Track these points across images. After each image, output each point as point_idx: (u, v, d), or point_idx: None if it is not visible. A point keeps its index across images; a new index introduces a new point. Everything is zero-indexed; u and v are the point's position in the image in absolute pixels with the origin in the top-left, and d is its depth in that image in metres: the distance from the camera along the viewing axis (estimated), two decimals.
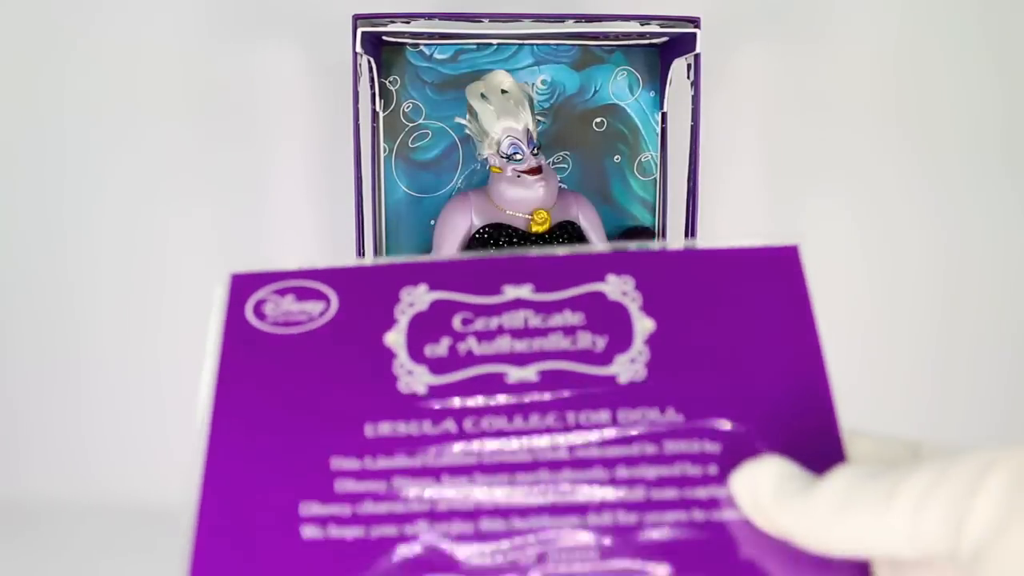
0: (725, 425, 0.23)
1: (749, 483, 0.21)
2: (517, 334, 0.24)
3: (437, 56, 0.56)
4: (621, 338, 0.24)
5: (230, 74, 0.59)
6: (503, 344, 0.24)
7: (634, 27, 0.50)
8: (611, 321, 0.24)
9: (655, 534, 0.21)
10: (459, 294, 0.25)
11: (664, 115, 0.56)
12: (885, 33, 0.60)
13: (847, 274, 0.62)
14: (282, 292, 0.25)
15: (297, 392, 0.23)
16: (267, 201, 0.60)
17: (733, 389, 0.23)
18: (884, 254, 0.62)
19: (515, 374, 0.23)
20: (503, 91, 0.49)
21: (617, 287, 0.25)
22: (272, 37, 0.58)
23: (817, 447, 0.22)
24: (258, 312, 0.25)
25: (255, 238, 0.60)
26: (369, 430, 0.23)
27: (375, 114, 0.55)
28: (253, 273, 0.25)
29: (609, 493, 0.22)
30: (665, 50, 0.55)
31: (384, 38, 0.53)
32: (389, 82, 0.56)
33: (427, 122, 0.56)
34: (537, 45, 0.56)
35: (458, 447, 0.22)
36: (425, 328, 0.24)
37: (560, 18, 0.50)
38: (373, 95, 0.54)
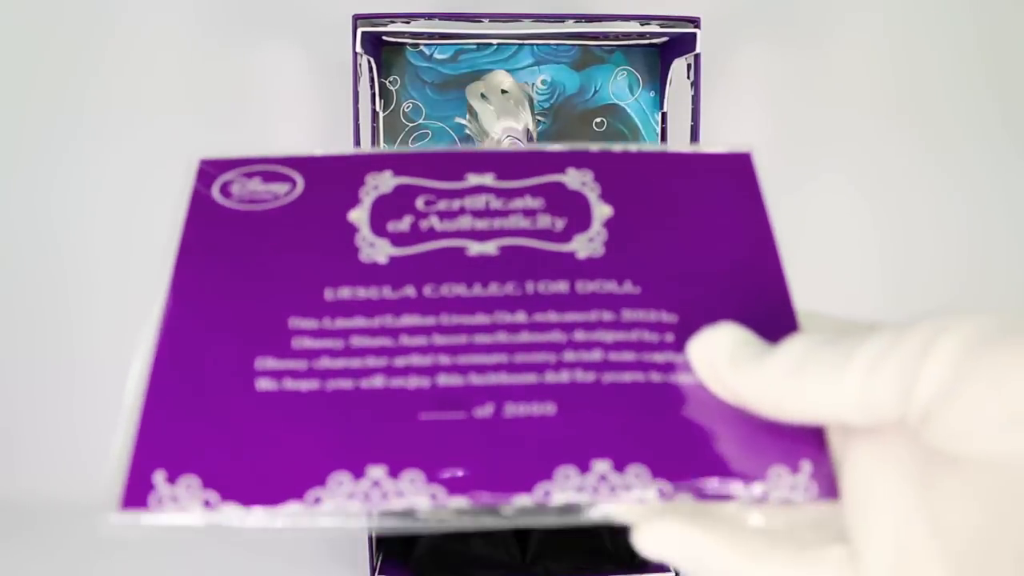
0: (682, 297, 0.23)
1: (706, 348, 0.21)
2: (478, 214, 0.25)
3: (437, 56, 0.56)
4: (580, 220, 0.25)
5: (230, 74, 0.59)
6: (464, 222, 0.24)
7: (634, 27, 0.50)
8: (570, 206, 0.25)
9: (611, 392, 0.21)
10: (423, 179, 0.25)
11: (664, 115, 0.56)
12: (886, 32, 0.60)
13: (847, 272, 0.62)
14: (249, 175, 0.25)
15: (258, 260, 0.24)
16: None
17: (689, 267, 0.24)
18: (885, 251, 0.62)
19: (475, 248, 0.24)
20: (503, 91, 0.49)
21: (576, 178, 0.26)
22: (272, 37, 0.58)
23: (772, 322, 0.22)
24: (224, 192, 0.25)
25: None
26: (329, 294, 0.23)
27: (375, 114, 0.55)
28: (221, 158, 0.26)
29: (567, 354, 0.22)
30: (665, 50, 0.55)
31: (384, 38, 0.53)
32: (389, 82, 0.56)
33: (427, 122, 0.56)
34: (537, 45, 0.56)
35: (417, 311, 0.23)
36: (388, 207, 0.25)
37: (560, 18, 0.50)
38: (373, 95, 0.54)
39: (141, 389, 0.22)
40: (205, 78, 0.59)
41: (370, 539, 0.52)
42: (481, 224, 0.24)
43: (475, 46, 0.56)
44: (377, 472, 0.20)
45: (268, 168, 0.26)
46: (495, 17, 0.49)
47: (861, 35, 0.60)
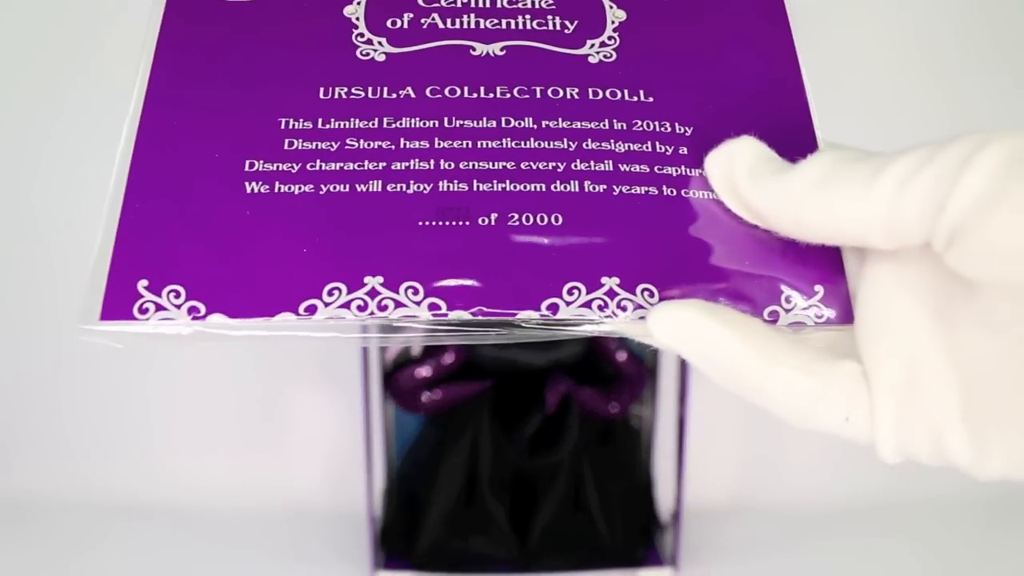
0: (698, 109, 0.22)
1: (724, 160, 0.20)
2: (483, 13, 0.23)
3: None
4: (592, 24, 0.23)
5: None
6: (468, 21, 0.23)
7: None
8: (582, 9, 0.23)
9: (622, 205, 0.20)
10: None
11: None
12: (886, 31, 0.60)
13: None
14: None
15: (247, 53, 0.22)
16: None
17: (707, 78, 0.23)
18: None
19: (480, 48, 0.22)
20: None
21: None
22: None
23: (791, 142, 0.21)
24: None
25: None
26: (323, 92, 0.22)
27: None
28: None
29: (577, 164, 0.21)
30: None
31: None
32: None
33: None
34: None
35: (417, 113, 0.21)
36: (387, 3, 0.23)
37: None
38: None
39: (119, 193, 0.20)
40: None
41: (372, 536, 0.52)
42: (487, 24, 0.23)
43: None
44: (374, 282, 0.19)
45: None
46: None
47: (861, 33, 0.60)
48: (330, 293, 0.19)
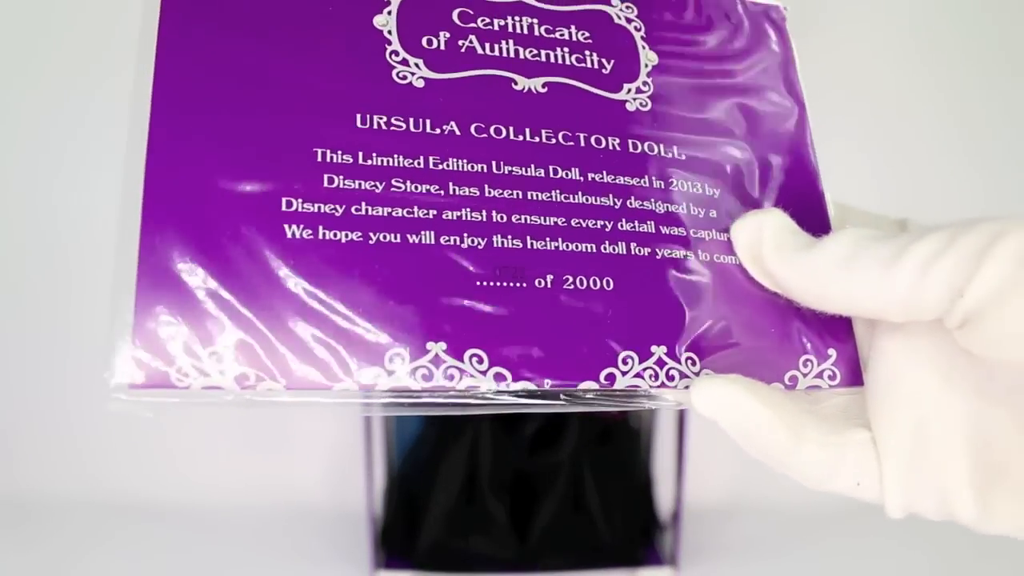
0: (723, 172, 0.22)
1: (751, 231, 0.21)
2: (522, 40, 0.22)
3: None
4: (627, 66, 0.23)
5: None
6: (507, 48, 0.21)
7: None
8: (617, 46, 0.23)
9: (665, 270, 0.20)
10: None
11: None
12: (885, 29, 0.60)
13: None
14: None
15: (265, 66, 0.19)
16: None
17: (727, 135, 0.23)
18: None
19: (522, 82, 0.21)
20: None
21: (622, 12, 0.23)
22: None
23: (804, 210, 0.22)
24: None
25: None
26: (360, 120, 0.19)
27: None
28: None
29: (623, 224, 0.20)
30: None
31: None
32: None
33: None
34: None
35: (465, 154, 0.20)
36: (419, 16, 0.21)
37: None
38: None
39: (132, 237, 0.17)
40: None
41: (372, 536, 0.52)
42: (526, 53, 0.21)
43: None
44: (437, 348, 0.18)
45: None
46: None
47: (860, 32, 0.60)
48: (391, 360, 0.17)
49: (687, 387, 0.19)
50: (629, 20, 0.23)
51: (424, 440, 0.55)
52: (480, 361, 0.18)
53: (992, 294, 0.17)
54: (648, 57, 0.23)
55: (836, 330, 0.21)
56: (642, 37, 0.23)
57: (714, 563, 0.55)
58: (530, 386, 0.18)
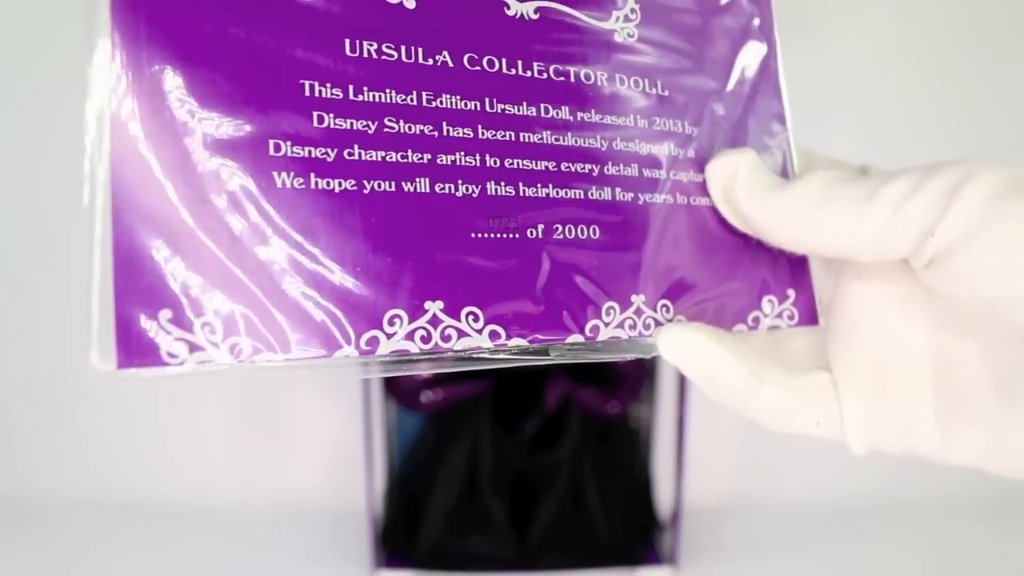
0: (700, 107, 0.22)
1: (725, 172, 0.21)
2: None
3: None
4: None
5: None
6: None
7: None
8: None
9: (645, 216, 0.20)
10: None
11: None
12: (884, 30, 0.60)
13: None
14: None
15: None
16: None
17: (709, 75, 0.23)
18: None
19: (515, 7, 0.20)
20: None
21: None
22: None
23: (769, 151, 0.23)
24: None
25: None
26: (349, 47, 0.18)
27: None
28: None
29: (608, 166, 0.20)
30: None
31: None
32: None
33: None
34: None
35: (458, 90, 0.19)
36: None
37: None
38: None
39: (103, 192, 0.16)
40: None
41: (373, 536, 0.52)
42: None
43: None
44: (435, 308, 0.17)
45: None
46: None
47: (860, 33, 0.60)
48: (391, 323, 0.17)
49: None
50: None
51: (424, 440, 0.55)
52: (476, 319, 0.18)
53: (961, 233, 0.18)
54: None
55: (793, 270, 0.22)
56: None
57: (714, 563, 0.55)
58: (522, 343, 0.18)
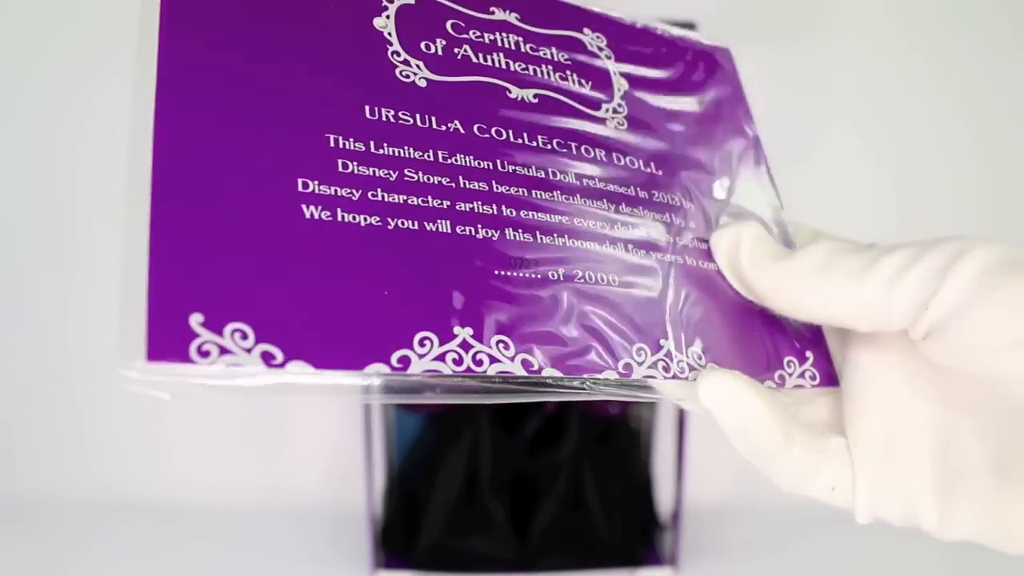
0: (695, 187, 0.24)
1: (729, 242, 0.22)
2: (511, 55, 0.23)
3: None
4: (604, 87, 0.24)
5: None
6: (499, 60, 0.22)
7: None
8: (592, 69, 0.24)
9: (661, 271, 0.21)
10: (447, 1, 0.22)
11: None
12: (883, 33, 0.60)
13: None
14: None
15: (269, 46, 0.19)
16: None
17: (696, 159, 0.24)
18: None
19: (516, 92, 0.22)
20: None
21: (593, 40, 0.25)
22: None
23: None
24: None
25: None
26: (368, 112, 0.19)
27: None
28: None
29: (617, 227, 0.21)
30: None
31: None
32: None
33: None
34: None
35: (471, 151, 0.20)
36: (416, 22, 0.21)
37: None
38: None
39: (142, 202, 0.16)
40: None
41: (372, 536, 0.52)
42: (516, 66, 0.22)
43: None
44: (464, 334, 0.17)
45: None
46: None
47: (859, 35, 0.60)
48: (421, 343, 0.17)
49: (696, 379, 0.20)
50: (600, 48, 0.25)
51: (424, 440, 0.55)
52: (506, 347, 0.18)
53: (954, 308, 0.18)
54: (619, 83, 0.25)
55: (811, 334, 0.22)
56: (613, 64, 0.25)
57: (714, 563, 0.55)
58: (556, 373, 0.18)
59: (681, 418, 0.52)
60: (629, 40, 0.26)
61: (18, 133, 0.59)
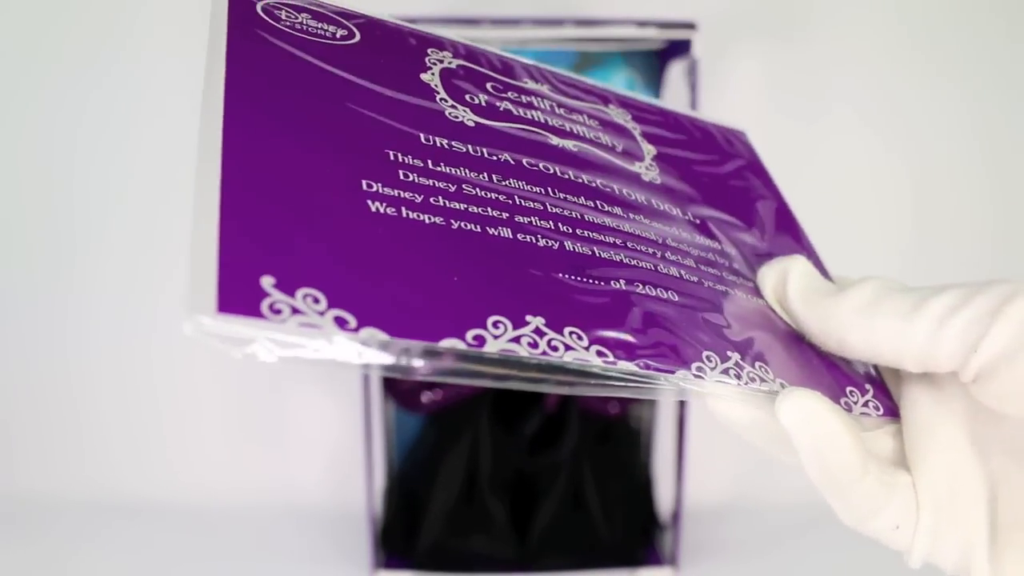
0: (731, 235, 0.24)
1: (776, 277, 0.22)
2: (548, 113, 0.24)
3: None
4: (634, 150, 0.25)
5: None
6: (537, 116, 0.23)
7: (631, 31, 0.50)
8: (622, 135, 0.25)
9: (718, 296, 0.22)
10: (484, 68, 0.24)
11: None
12: (884, 32, 0.60)
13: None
14: (297, 8, 0.21)
15: (327, 81, 0.20)
16: None
17: (729, 212, 0.25)
18: (889, 253, 0.62)
19: (556, 140, 0.23)
20: None
21: (619, 114, 0.26)
22: None
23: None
24: (270, 13, 0.21)
25: None
26: (424, 139, 0.20)
27: None
28: None
29: (668, 254, 0.22)
30: (664, 53, 0.56)
31: None
32: None
33: None
34: (536, 50, 0.57)
35: (523, 178, 0.20)
36: (459, 81, 0.23)
37: (558, 23, 0.50)
38: None
39: (212, 176, 0.16)
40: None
41: (372, 536, 0.52)
42: (554, 122, 0.23)
43: None
44: (537, 322, 0.17)
45: (318, 8, 0.22)
46: (495, 21, 0.50)
47: (859, 36, 0.60)
48: (495, 326, 0.16)
49: (768, 391, 0.19)
50: (626, 121, 0.26)
51: (424, 440, 0.55)
52: (580, 338, 0.17)
53: (1002, 352, 0.18)
54: (648, 148, 0.25)
55: (863, 370, 0.22)
56: (640, 134, 0.26)
57: (714, 563, 0.55)
58: (631, 367, 0.18)
59: (681, 418, 0.52)
60: (651, 116, 0.27)
61: (20, 135, 0.59)
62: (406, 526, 0.54)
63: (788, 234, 0.26)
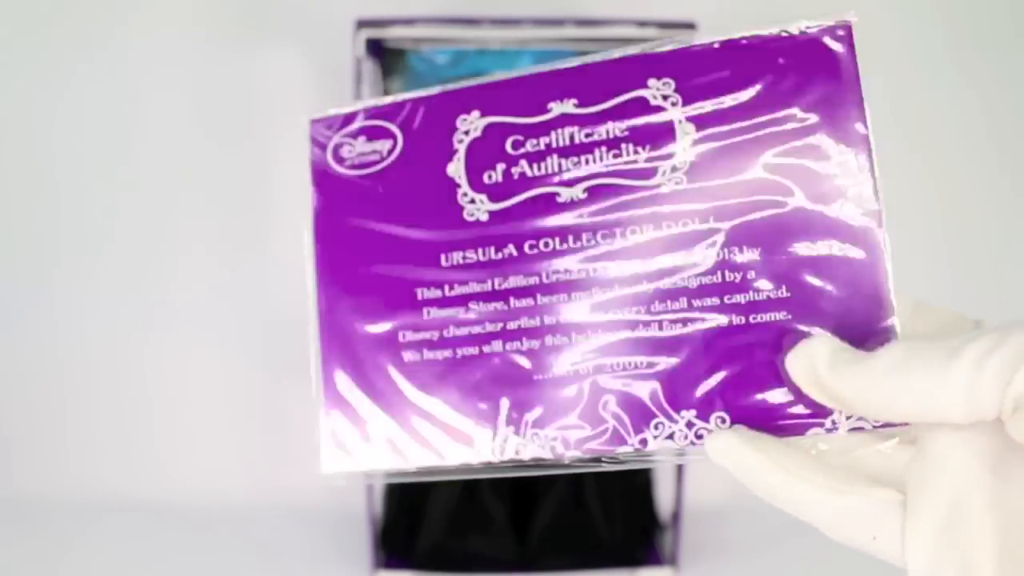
0: (770, 232, 0.23)
1: (804, 359, 0.22)
2: (564, 152, 0.25)
3: (438, 60, 0.56)
4: (663, 147, 0.24)
5: (232, 80, 0.59)
6: (552, 164, 0.25)
7: (632, 31, 0.50)
8: (652, 130, 0.24)
9: (698, 344, 0.23)
10: (509, 117, 0.26)
11: None
12: (884, 32, 0.60)
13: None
14: (354, 135, 0.28)
15: (382, 231, 0.27)
16: (270, 205, 0.61)
17: (776, 196, 0.23)
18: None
19: (565, 193, 0.25)
20: None
21: (659, 90, 0.25)
22: (274, 43, 0.59)
23: (863, 294, 0.23)
24: (337, 157, 0.28)
25: (257, 242, 0.61)
26: (444, 260, 0.26)
27: None
28: (327, 116, 0.28)
29: (655, 304, 0.24)
30: None
31: (385, 44, 0.53)
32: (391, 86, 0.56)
33: None
34: (538, 49, 0.57)
35: (521, 270, 0.25)
36: (481, 155, 0.26)
37: (559, 22, 0.50)
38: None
39: (319, 375, 0.28)
40: (208, 84, 0.60)
41: (372, 536, 0.52)
42: (568, 163, 0.25)
43: (476, 50, 0.56)
44: (508, 432, 0.25)
45: (369, 123, 0.28)
46: (496, 21, 0.50)
47: (860, 33, 0.60)
48: (478, 440, 0.25)
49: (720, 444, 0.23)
50: (666, 96, 0.24)
51: None
52: (537, 437, 0.24)
53: None
54: (685, 129, 0.24)
55: None
56: (680, 113, 0.24)
57: (714, 563, 0.55)
58: (576, 453, 0.24)
59: None
60: (701, 70, 0.24)
61: (20, 134, 0.59)
62: (406, 526, 0.54)
63: (854, 186, 0.23)
